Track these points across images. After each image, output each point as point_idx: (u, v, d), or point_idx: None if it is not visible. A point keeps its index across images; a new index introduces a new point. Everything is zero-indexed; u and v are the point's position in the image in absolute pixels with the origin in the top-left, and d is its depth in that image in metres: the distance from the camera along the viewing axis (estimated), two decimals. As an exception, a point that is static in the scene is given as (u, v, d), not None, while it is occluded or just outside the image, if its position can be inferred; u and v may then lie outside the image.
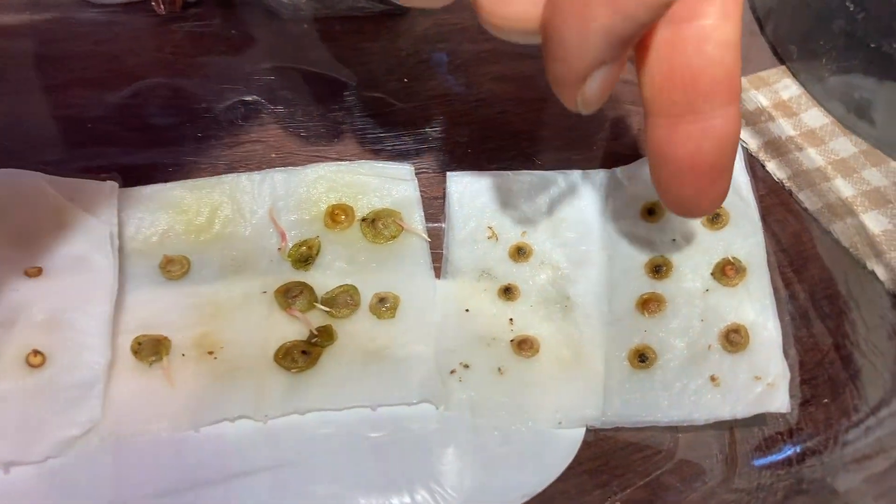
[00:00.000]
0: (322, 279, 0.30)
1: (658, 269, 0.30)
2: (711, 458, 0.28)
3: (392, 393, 0.28)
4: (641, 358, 0.28)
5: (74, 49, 0.37)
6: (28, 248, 0.29)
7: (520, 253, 0.31)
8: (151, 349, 0.28)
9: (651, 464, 0.28)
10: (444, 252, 0.32)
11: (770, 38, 0.40)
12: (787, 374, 0.28)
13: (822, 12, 0.36)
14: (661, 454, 0.28)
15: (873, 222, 0.33)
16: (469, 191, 0.32)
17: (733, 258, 0.30)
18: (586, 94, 0.22)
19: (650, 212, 0.31)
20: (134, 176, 0.32)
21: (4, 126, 0.34)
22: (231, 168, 0.34)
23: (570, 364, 0.29)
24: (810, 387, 0.29)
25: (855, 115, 0.36)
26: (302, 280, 0.30)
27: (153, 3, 0.38)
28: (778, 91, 0.38)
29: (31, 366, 0.27)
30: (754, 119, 0.37)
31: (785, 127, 0.36)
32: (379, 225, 0.31)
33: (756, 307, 0.29)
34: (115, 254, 0.29)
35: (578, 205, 0.32)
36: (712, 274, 0.30)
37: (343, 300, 0.30)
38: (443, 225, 0.32)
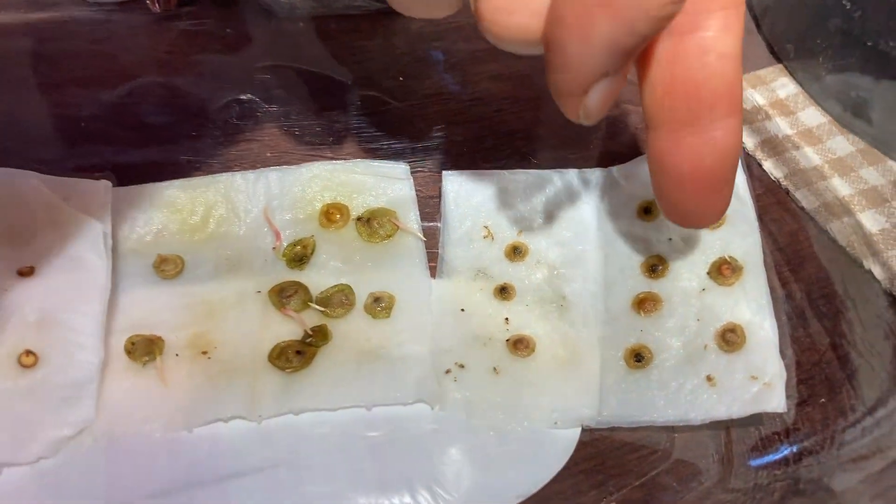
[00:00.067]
0: (317, 279, 0.30)
1: (654, 269, 0.30)
2: (708, 458, 0.28)
3: (387, 393, 0.28)
4: (637, 357, 0.28)
5: (69, 47, 0.37)
6: (21, 248, 0.28)
7: (515, 252, 0.31)
8: (145, 349, 0.28)
9: (647, 464, 0.28)
10: (439, 251, 0.32)
11: (767, 37, 0.40)
12: (784, 374, 0.28)
13: (819, 10, 0.36)
14: (657, 454, 0.28)
15: (870, 221, 0.33)
16: (465, 190, 0.32)
17: (730, 257, 0.29)
18: (588, 105, 0.22)
19: (646, 211, 0.31)
20: (128, 175, 0.32)
21: (-2, 124, 0.34)
22: (226, 167, 0.33)
23: (565, 364, 0.29)
24: (807, 386, 0.29)
25: (852, 114, 0.36)
26: (296, 279, 0.30)
27: (148, 2, 0.38)
28: (775, 90, 0.38)
29: (24, 366, 0.27)
30: (751, 118, 0.37)
31: (782, 125, 0.36)
32: (374, 224, 0.31)
33: (752, 307, 0.29)
34: (108, 253, 0.29)
35: (574, 204, 0.32)
36: (708, 273, 0.30)
37: (338, 300, 0.30)
38: (438, 224, 0.32)
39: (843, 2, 0.34)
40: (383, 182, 0.32)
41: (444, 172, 0.33)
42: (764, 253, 0.30)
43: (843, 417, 0.29)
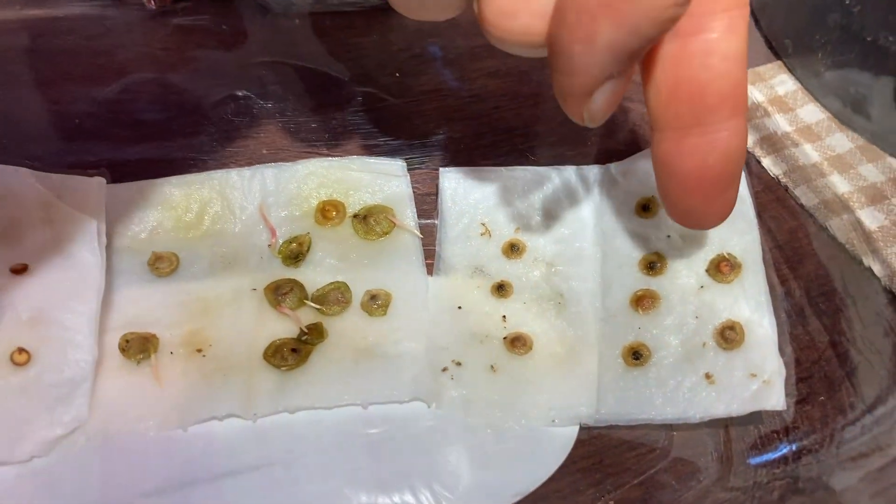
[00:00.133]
0: (312, 276, 0.30)
1: (652, 266, 0.30)
2: (706, 456, 0.28)
3: (383, 391, 0.28)
4: (635, 355, 0.28)
5: (64, 43, 0.37)
6: (14, 245, 0.28)
7: (513, 249, 0.31)
8: (139, 347, 0.28)
9: (645, 462, 0.27)
10: (436, 249, 0.31)
11: (765, 33, 0.40)
12: (783, 372, 0.28)
13: (818, 6, 0.36)
14: (655, 452, 0.28)
15: (870, 218, 0.33)
16: (462, 187, 0.32)
17: (728, 255, 0.29)
18: (592, 108, 0.22)
19: (644, 208, 0.31)
20: (123, 172, 0.32)
21: (-8, 121, 0.34)
22: (221, 164, 0.33)
23: (563, 361, 0.29)
24: (806, 384, 0.29)
25: (851, 110, 0.36)
26: (292, 277, 0.30)
27: (143, -2, 0.38)
28: (774, 86, 0.38)
29: (16, 364, 0.26)
30: (750, 115, 0.37)
31: (781, 123, 0.36)
32: (370, 221, 0.31)
33: (751, 304, 0.29)
34: (102, 250, 0.29)
35: (572, 201, 0.32)
36: (707, 270, 0.29)
37: (334, 297, 0.30)
38: (435, 221, 0.32)
39: (843, -3, 0.34)
40: (380, 179, 0.32)
41: (441, 169, 0.33)
42: (763, 250, 0.30)
43: (843, 415, 0.29)
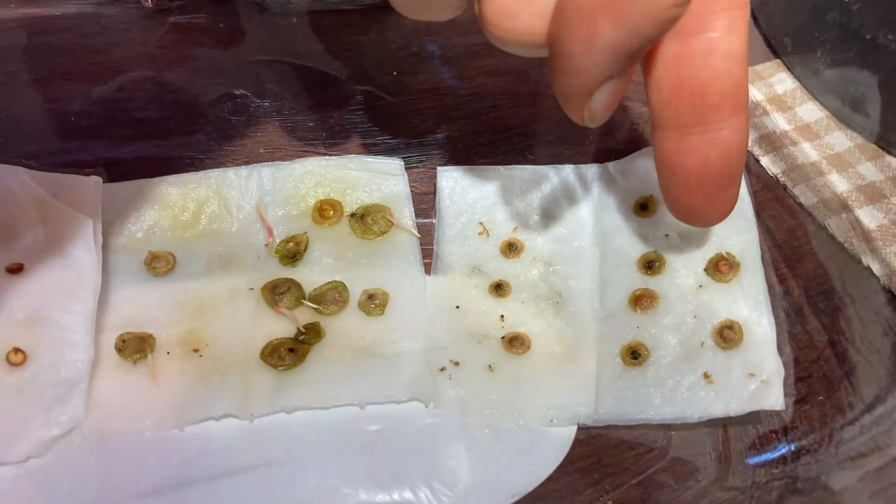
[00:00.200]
0: (310, 275, 0.30)
1: (651, 265, 0.30)
2: (705, 456, 0.28)
3: (381, 391, 0.28)
4: (634, 355, 0.28)
5: (60, 42, 0.37)
6: (9, 244, 0.28)
7: (511, 249, 0.31)
8: (136, 347, 0.28)
9: (644, 462, 0.27)
10: (434, 248, 0.31)
11: (764, 31, 0.40)
12: (782, 371, 0.27)
13: (817, 4, 0.35)
14: (653, 452, 0.28)
15: (868, 217, 0.32)
16: (460, 186, 0.32)
17: (727, 254, 0.29)
18: (593, 108, 0.22)
19: (643, 207, 0.31)
20: (119, 171, 0.32)
21: (-13, 120, 0.34)
22: (218, 163, 0.33)
23: (561, 361, 0.29)
24: (805, 384, 0.29)
25: (850, 109, 0.36)
26: (289, 276, 0.30)
27: (140, -4, 0.38)
28: (772, 85, 0.38)
29: (12, 364, 0.26)
30: (748, 113, 0.36)
31: (779, 121, 0.36)
32: (368, 220, 0.31)
33: (750, 303, 0.29)
34: (98, 250, 0.28)
35: (571, 200, 0.32)
36: (706, 270, 0.29)
37: (331, 297, 0.29)
38: (433, 220, 0.32)
39: (842, -5, 0.34)
40: (377, 178, 0.32)
41: (439, 168, 0.32)
42: (762, 249, 0.30)
43: (842, 415, 0.28)
